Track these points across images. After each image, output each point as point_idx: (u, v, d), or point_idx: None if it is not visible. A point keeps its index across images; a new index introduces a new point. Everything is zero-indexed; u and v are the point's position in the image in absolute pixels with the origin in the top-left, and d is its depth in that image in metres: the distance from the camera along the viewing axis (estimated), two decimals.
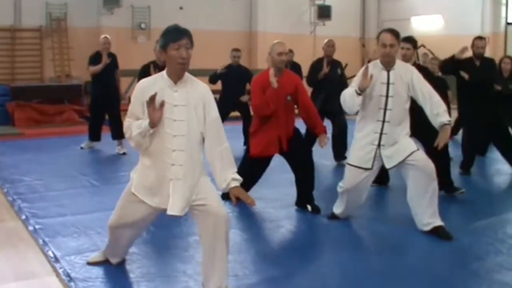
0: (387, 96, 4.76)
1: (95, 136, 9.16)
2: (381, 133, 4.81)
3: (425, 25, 17.22)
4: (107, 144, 9.02)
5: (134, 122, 3.46)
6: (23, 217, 5.38)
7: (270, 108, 5.33)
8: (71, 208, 5.65)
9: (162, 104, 3.36)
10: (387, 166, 4.90)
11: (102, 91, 8.78)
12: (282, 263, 4.31)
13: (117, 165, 8.05)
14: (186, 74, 3.50)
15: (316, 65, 8.04)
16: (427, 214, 4.84)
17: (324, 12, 17.89)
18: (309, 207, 5.59)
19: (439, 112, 4.68)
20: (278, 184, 6.42)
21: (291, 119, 5.57)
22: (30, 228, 5.06)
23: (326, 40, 8.07)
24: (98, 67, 8.68)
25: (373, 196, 6.52)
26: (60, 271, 4.05)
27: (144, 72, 7.22)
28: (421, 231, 4.90)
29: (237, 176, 3.51)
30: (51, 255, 4.37)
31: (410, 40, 5.90)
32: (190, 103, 3.45)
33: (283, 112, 5.44)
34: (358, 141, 4.97)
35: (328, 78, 7.91)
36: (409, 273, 4.14)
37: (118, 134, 8.82)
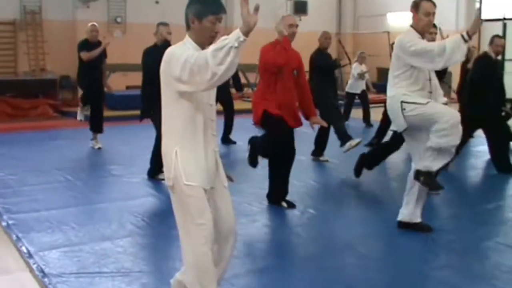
0: None
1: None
2: None
3: (401, 21, 17.35)
4: (82, 139, 8.95)
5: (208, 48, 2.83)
6: None
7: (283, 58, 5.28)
8: (45, 203, 5.62)
9: (256, 9, 2.73)
10: None
11: (91, 80, 8.50)
12: (258, 258, 4.35)
13: (92, 160, 8.01)
14: None
15: (321, 55, 7.70)
16: (419, 207, 4.84)
17: (300, 7, 17.95)
18: (284, 204, 5.57)
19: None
20: (252, 179, 6.41)
21: (295, 97, 5.50)
22: (3, 223, 5.02)
23: (322, 32, 7.86)
24: (95, 52, 8.34)
25: (351, 189, 6.60)
26: (34, 266, 4.03)
27: (153, 51, 6.45)
28: (400, 224, 4.87)
29: None
30: (25, 250, 4.35)
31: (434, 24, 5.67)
32: None
33: (292, 85, 5.40)
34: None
35: (332, 69, 7.84)
36: (388, 266, 4.21)
37: (97, 127, 8.70)
